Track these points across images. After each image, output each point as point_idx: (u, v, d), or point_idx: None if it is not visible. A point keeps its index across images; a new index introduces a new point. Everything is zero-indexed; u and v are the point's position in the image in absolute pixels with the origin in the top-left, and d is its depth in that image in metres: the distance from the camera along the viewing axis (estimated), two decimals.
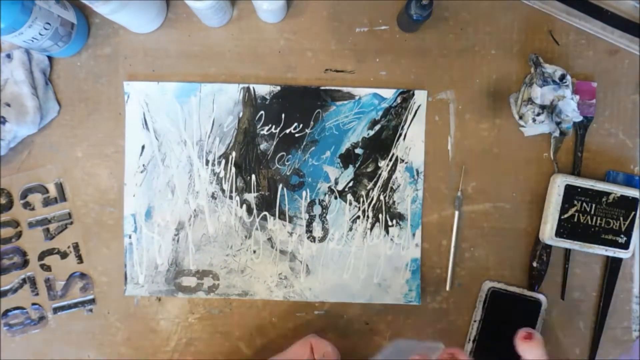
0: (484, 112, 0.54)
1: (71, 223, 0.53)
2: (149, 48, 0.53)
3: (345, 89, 0.53)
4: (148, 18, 0.50)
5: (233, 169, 0.54)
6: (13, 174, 0.53)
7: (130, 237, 0.53)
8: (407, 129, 0.54)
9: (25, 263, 0.53)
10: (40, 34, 0.45)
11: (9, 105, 0.49)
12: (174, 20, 0.53)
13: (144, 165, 0.53)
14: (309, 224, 0.54)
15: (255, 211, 0.54)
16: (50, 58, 0.52)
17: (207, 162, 0.54)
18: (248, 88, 0.53)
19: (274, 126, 0.54)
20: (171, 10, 0.53)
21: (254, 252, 0.54)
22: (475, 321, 0.54)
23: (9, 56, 0.50)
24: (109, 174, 0.53)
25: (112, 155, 0.53)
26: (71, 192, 0.53)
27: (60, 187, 0.53)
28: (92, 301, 0.54)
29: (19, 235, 0.53)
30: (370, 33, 0.54)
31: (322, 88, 0.53)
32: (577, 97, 0.50)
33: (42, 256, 0.53)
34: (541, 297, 0.54)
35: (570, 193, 0.52)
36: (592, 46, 0.54)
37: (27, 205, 0.53)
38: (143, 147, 0.53)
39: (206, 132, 0.53)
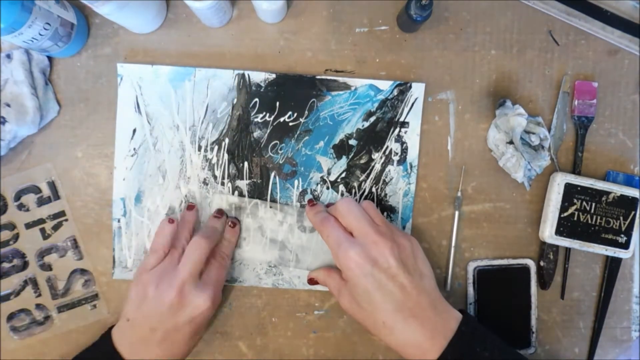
0: (483, 112, 0.54)
1: (66, 220, 0.53)
2: (149, 48, 0.53)
3: (341, 79, 0.53)
4: (148, 18, 0.50)
5: (226, 156, 0.53)
6: (13, 174, 0.53)
7: (119, 220, 0.53)
8: (403, 121, 0.53)
9: (25, 265, 0.53)
10: (40, 34, 0.45)
11: (8, 105, 0.49)
12: (174, 21, 0.53)
13: (134, 149, 0.53)
14: (300, 213, 0.54)
15: (246, 198, 0.54)
16: (50, 58, 0.52)
17: (200, 147, 0.53)
18: (243, 74, 0.53)
19: (268, 114, 0.53)
20: (171, 10, 0.53)
21: (244, 239, 0.54)
22: (470, 304, 0.54)
23: (8, 56, 0.50)
24: (109, 174, 0.53)
25: (112, 156, 0.53)
26: (71, 192, 0.53)
27: (52, 186, 0.53)
28: (96, 296, 0.54)
29: (16, 237, 0.53)
30: (370, 33, 0.54)
31: (318, 77, 0.53)
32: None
33: (41, 256, 0.53)
34: (528, 261, 0.54)
35: (570, 192, 0.52)
36: (592, 46, 0.54)
37: (21, 206, 0.53)
38: (134, 130, 0.53)
39: (199, 117, 0.53)
